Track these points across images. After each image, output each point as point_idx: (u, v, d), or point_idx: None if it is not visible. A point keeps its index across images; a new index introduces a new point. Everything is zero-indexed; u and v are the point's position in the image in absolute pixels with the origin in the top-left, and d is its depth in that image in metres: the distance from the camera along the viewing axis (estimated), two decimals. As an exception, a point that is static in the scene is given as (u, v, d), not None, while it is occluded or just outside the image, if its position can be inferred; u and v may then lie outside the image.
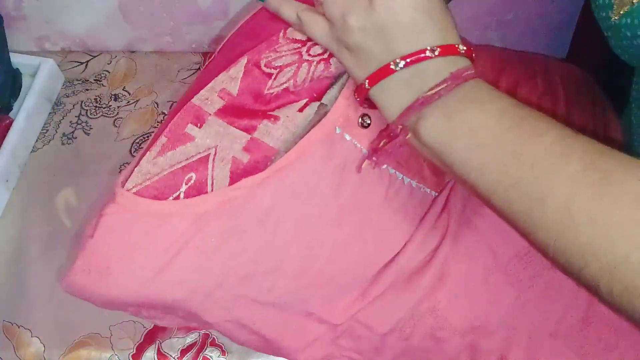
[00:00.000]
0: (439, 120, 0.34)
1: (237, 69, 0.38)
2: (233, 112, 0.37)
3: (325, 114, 0.38)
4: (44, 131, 0.69)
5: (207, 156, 0.36)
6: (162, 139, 0.37)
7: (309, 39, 0.39)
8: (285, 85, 0.38)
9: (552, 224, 0.32)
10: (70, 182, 0.64)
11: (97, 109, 0.71)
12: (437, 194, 0.45)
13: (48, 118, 0.70)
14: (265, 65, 0.39)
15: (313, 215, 0.37)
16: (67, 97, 0.72)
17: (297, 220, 0.37)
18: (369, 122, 0.39)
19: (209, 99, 0.37)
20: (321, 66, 0.38)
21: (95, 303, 0.41)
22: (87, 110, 0.71)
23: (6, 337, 0.55)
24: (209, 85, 0.37)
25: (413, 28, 0.34)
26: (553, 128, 0.33)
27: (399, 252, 0.43)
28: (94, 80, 0.74)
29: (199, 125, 0.36)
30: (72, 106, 0.71)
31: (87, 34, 0.74)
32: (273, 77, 0.38)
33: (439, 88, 0.34)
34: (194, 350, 0.54)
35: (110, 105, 0.71)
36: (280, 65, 0.39)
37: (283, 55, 0.39)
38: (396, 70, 0.35)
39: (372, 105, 0.37)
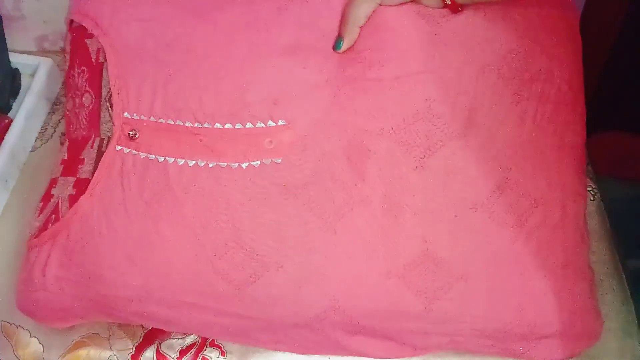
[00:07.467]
0: None
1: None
2: (66, 172, 0.56)
3: (109, 139, 0.55)
4: (43, 131, 0.69)
5: (57, 202, 0.54)
6: (40, 204, 0.56)
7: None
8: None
9: None
10: (70, 182, 0.64)
11: (96, 108, 0.71)
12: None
13: (47, 118, 0.70)
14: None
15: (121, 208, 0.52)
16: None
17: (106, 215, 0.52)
18: (136, 134, 0.54)
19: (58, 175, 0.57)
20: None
21: None
22: (86, 109, 0.71)
23: (5, 337, 0.55)
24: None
25: None
26: None
27: None
28: (93, 79, 0.73)
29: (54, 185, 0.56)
30: (71, 106, 0.71)
31: (87, 33, 0.74)
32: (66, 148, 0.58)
33: None
34: (193, 350, 0.54)
35: (110, 105, 0.71)
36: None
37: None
38: None
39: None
